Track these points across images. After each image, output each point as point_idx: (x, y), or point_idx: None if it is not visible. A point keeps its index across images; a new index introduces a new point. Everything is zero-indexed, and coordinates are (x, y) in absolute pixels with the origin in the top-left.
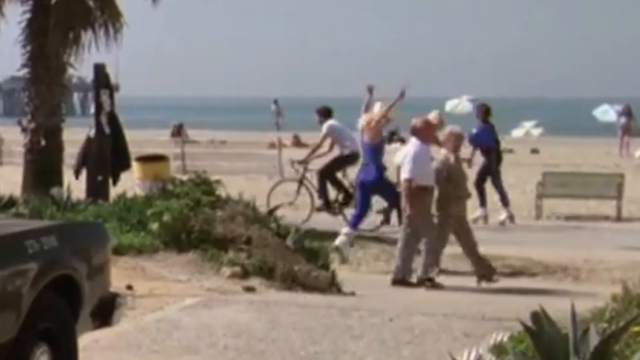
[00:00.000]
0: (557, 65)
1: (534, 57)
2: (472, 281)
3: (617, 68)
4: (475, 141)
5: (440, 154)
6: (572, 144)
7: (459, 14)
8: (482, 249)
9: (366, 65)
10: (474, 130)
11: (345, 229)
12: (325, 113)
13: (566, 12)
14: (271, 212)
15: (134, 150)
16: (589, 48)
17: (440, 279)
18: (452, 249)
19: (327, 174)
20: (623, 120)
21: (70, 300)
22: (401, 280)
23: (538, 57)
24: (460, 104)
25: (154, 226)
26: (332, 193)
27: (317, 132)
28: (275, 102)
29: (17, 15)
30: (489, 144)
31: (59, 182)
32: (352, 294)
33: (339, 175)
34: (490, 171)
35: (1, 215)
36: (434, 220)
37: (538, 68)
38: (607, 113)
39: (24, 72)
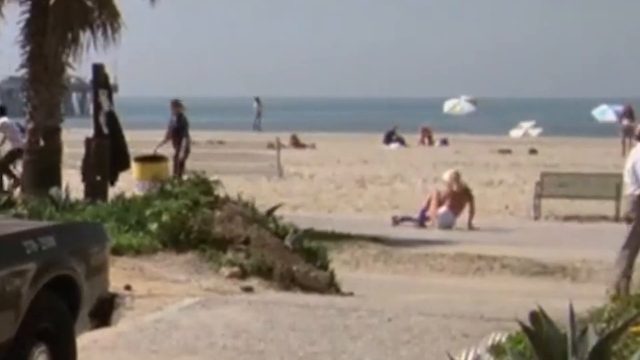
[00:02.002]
0: (557, 65)
1: (533, 58)
2: (471, 281)
3: (617, 68)
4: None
5: None
6: (571, 144)
7: (458, 13)
8: (482, 249)
9: (366, 65)
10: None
11: None
12: None
13: (566, 12)
14: (270, 212)
15: (132, 150)
16: (589, 48)
17: (440, 279)
18: (454, 249)
19: (2, 165)
20: (625, 122)
21: (68, 300)
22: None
23: (537, 57)
24: (459, 104)
25: (153, 226)
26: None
27: (315, 132)
28: (257, 100)
29: (15, 16)
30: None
31: (57, 182)
32: (351, 294)
33: (11, 166)
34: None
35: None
36: None
37: (537, 68)
38: (605, 113)
39: (23, 72)
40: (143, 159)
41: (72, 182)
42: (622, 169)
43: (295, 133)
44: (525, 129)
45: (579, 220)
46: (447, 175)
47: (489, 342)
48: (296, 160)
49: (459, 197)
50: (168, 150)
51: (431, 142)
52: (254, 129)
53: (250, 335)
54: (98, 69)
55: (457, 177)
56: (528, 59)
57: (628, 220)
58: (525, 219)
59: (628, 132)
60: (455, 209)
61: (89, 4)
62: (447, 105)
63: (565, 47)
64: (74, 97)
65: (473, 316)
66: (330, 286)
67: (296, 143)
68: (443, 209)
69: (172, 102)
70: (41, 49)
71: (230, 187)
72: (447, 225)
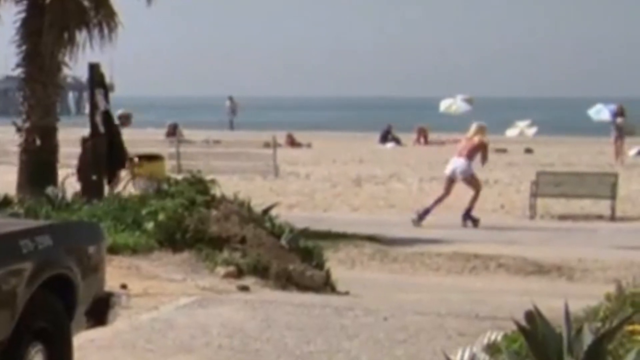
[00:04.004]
0: (553, 64)
1: (529, 57)
2: (467, 280)
3: (613, 68)
4: None
5: None
6: (566, 143)
7: (455, 13)
8: (477, 248)
9: (362, 65)
10: None
11: None
12: None
13: (563, 12)
14: (266, 211)
15: (129, 149)
16: (586, 48)
17: (435, 278)
18: (449, 248)
19: None
20: (619, 119)
21: (65, 299)
22: None
23: (533, 56)
24: (455, 104)
25: (149, 225)
26: None
27: (311, 131)
28: (230, 98)
29: (11, 15)
30: None
31: (54, 181)
32: (347, 293)
33: None
34: None
35: None
36: None
37: (533, 68)
38: (600, 112)
39: (19, 71)
40: (140, 158)
41: (68, 181)
42: (617, 168)
43: (291, 132)
44: (520, 128)
45: (574, 219)
46: (474, 126)
47: (485, 341)
48: (292, 160)
49: (476, 148)
50: (166, 151)
51: (427, 142)
52: (229, 128)
53: (246, 334)
54: (94, 68)
55: (483, 129)
56: (524, 59)
57: None
58: (520, 218)
59: (621, 130)
60: (471, 157)
61: (85, 3)
62: (443, 105)
63: (562, 47)
64: (70, 96)
65: (469, 315)
66: (326, 285)
67: (292, 142)
68: (460, 159)
69: None
70: (37, 48)
71: (226, 186)
72: (468, 172)
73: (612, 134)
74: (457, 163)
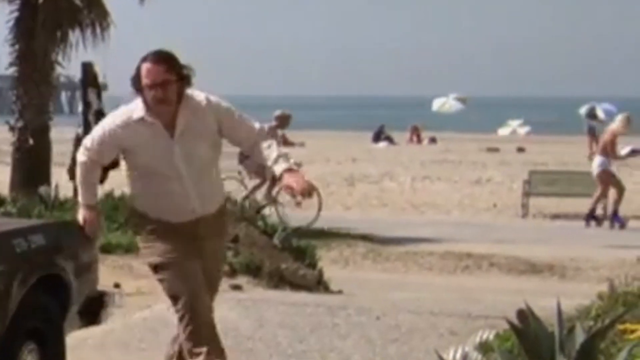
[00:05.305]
0: (546, 64)
1: (522, 56)
2: (459, 279)
3: (605, 67)
4: None
5: None
6: (559, 142)
7: (449, 13)
8: (470, 247)
9: (356, 64)
10: None
11: None
12: None
13: (555, 11)
14: (259, 210)
15: None
16: (578, 47)
17: (428, 277)
18: (442, 247)
19: None
20: (592, 123)
21: (58, 299)
22: None
23: (527, 55)
24: (448, 103)
25: None
26: None
27: (304, 130)
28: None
29: (5, 15)
30: None
31: (47, 181)
32: (340, 292)
33: None
34: None
35: None
36: None
37: (526, 67)
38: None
39: (12, 70)
40: None
41: (62, 181)
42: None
43: (284, 131)
44: (513, 127)
45: (566, 218)
46: (620, 117)
47: (477, 340)
48: None
49: (607, 141)
50: None
51: (420, 141)
52: None
53: (239, 333)
54: (87, 68)
55: (623, 121)
56: (517, 58)
57: None
58: (513, 217)
59: (593, 130)
60: (604, 152)
61: (78, 2)
62: (436, 104)
63: (555, 46)
64: (63, 95)
65: (461, 314)
66: (319, 284)
67: (285, 141)
68: (599, 157)
69: None
70: (30, 47)
71: None
72: (600, 167)
73: (588, 135)
74: (596, 159)
